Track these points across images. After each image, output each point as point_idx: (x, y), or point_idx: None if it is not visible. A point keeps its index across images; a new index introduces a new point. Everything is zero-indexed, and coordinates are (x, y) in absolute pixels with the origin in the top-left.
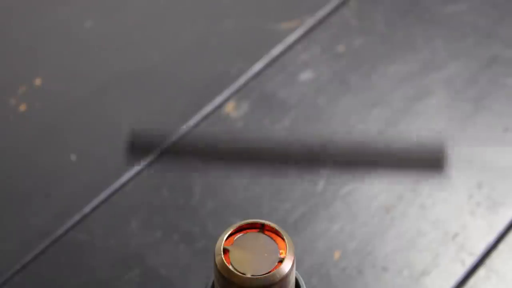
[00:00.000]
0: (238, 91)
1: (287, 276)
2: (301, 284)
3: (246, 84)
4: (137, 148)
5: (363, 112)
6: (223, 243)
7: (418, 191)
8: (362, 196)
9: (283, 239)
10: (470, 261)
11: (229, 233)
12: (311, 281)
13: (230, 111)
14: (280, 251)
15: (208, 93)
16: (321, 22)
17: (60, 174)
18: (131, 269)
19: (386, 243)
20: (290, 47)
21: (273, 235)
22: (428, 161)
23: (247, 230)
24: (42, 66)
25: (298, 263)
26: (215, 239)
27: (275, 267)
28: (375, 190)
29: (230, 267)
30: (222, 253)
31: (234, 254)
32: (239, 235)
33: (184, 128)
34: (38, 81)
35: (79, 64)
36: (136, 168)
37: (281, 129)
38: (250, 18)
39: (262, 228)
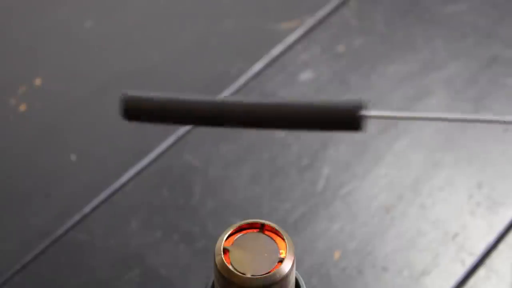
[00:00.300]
0: (238, 91)
1: (287, 276)
2: (301, 284)
3: (246, 84)
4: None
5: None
6: (223, 243)
7: (418, 191)
8: (362, 196)
9: (283, 239)
10: (470, 261)
11: (229, 233)
12: (311, 281)
13: None
14: (280, 251)
15: (208, 93)
16: (321, 22)
17: (60, 174)
18: (131, 269)
19: (386, 243)
20: (290, 47)
21: (273, 235)
22: (344, 120)
23: (247, 230)
24: (42, 66)
25: (298, 263)
26: (215, 239)
27: (275, 267)
28: (375, 190)
29: (230, 267)
30: (222, 253)
31: (234, 254)
32: (239, 235)
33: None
34: (38, 81)
35: (79, 64)
36: (136, 168)
37: None
38: (250, 18)
39: (262, 228)
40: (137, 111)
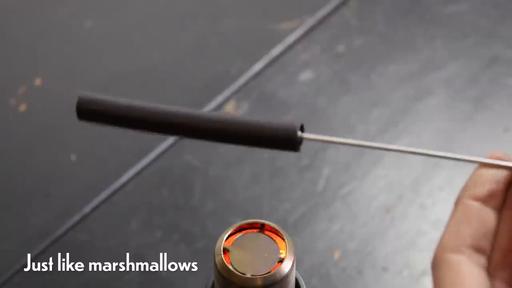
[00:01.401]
0: (238, 91)
1: (287, 276)
2: (301, 284)
3: (246, 84)
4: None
5: (363, 112)
6: (223, 243)
7: (418, 191)
8: (362, 196)
9: (283, 239)
10: None
11: (229, 233)
12: (311, 281)
13: (230, 111)
14: (280, 251)
15: (208, 93)
16: (321, 22)
17: (60, 174)
18: (131, 269)
19: (386, 243)
20: (290, 47)
21: (273, 235)
22: (280, 140)
23: (247, 230)
24: (42, 66)
25: (298, 263)
26: (215, 239)
27: (275, 267)
28: (375, 190)
29: (230, 267)
30: (222, 253)
31: (234, 254)
32: (239, 235)
33: None
34: (38, 81)
35: (79, 64)
36: (136, 168)
37: None
38: (250, 18)
39: (262, 228)
40: (89, 112)
